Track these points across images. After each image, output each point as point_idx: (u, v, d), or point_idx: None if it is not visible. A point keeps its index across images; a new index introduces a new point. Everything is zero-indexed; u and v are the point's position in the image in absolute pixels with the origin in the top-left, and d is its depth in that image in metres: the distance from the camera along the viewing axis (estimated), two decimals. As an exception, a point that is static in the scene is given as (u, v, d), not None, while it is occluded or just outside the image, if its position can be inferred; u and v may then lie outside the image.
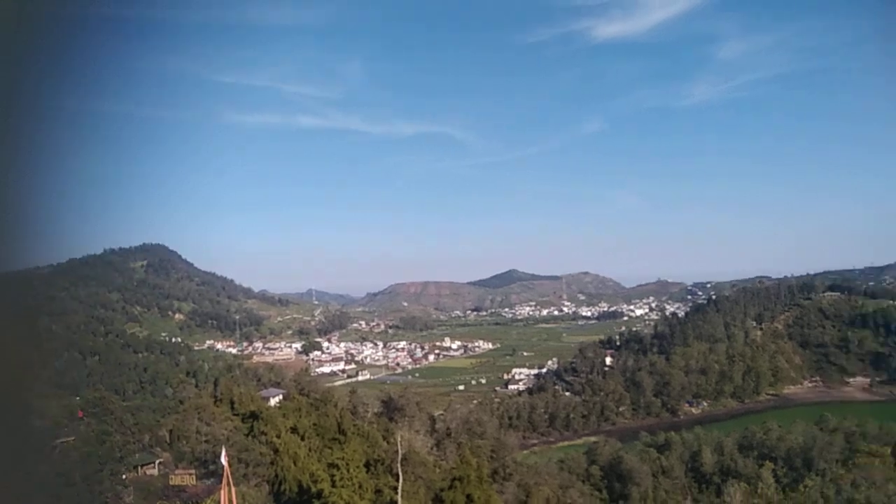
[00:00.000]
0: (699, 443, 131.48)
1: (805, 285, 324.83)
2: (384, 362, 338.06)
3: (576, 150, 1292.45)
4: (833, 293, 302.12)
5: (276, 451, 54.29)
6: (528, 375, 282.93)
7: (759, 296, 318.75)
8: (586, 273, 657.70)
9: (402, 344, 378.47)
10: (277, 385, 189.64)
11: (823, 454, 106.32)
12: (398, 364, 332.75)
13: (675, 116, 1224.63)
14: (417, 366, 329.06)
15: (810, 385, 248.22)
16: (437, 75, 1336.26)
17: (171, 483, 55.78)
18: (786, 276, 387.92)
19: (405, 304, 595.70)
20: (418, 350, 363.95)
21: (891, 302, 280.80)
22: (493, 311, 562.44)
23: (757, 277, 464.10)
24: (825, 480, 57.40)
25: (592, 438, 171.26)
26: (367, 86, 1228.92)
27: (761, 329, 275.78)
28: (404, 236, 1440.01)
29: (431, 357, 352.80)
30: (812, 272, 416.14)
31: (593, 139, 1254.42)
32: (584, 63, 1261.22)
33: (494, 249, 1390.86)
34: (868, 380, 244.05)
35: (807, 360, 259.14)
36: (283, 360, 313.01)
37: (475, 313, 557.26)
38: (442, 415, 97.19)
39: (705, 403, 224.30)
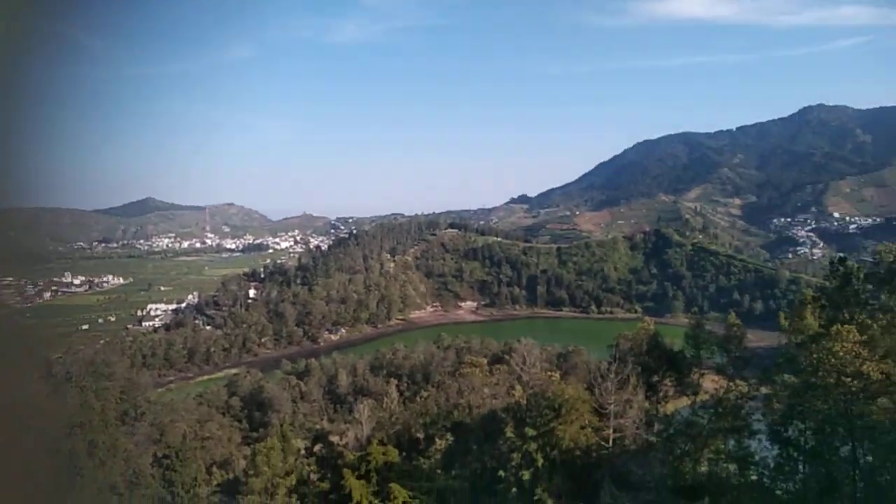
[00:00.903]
0: (336, 367, 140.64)
1: (431, 222, 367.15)
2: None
3: (224, 74, 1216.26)
4: (452, 230, 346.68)
5: None
6: (165, 311, 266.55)
7: (393, 231, 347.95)
8: (231, 204, 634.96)
9: (8, 280, 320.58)
10: None
11: (438, 368, 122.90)
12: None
13: (326, 52, 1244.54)
14: (29, 305, 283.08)
15: (432, 310, 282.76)
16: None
17: None
18: (416, 214, 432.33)
19: (11, 233, 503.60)
20: (29, 287, 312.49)
21: (495, 238, 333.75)
22: (125, 242, 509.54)
23: (392, 214, 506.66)
24: (438, 390, 66.47)
25: (234, 371, 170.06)
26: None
27: (394, 261, 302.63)
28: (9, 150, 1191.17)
29: (47, 294, 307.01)
30: (437, 211, 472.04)
31: (243, 64, 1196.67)
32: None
33: (128, 174, 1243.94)
34: (475, 304, 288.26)
35: (430, 288, 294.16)
36: None
37: (103, 245, 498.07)
38: (61, 358, 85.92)
39: (344, 330, 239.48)
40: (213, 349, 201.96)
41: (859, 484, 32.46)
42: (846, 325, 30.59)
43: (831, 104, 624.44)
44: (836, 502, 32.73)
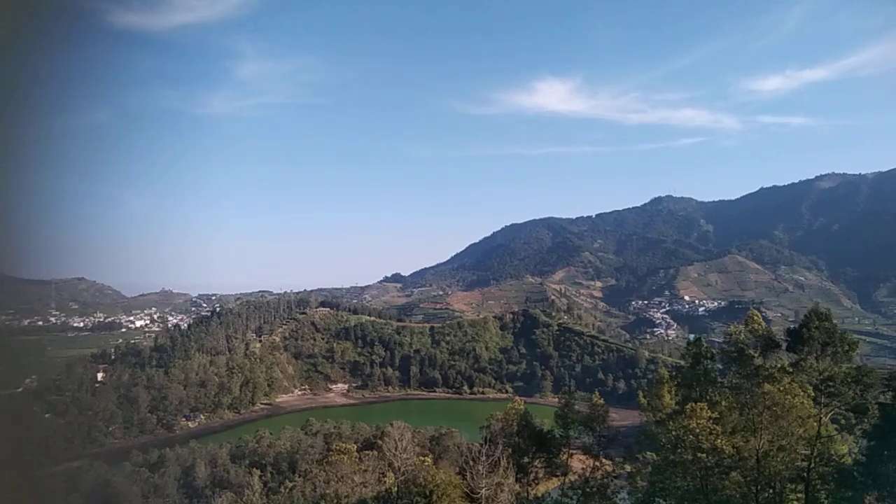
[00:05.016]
0: (193, 457, 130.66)
1: (301, 300, 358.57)
2: None
3: (76, 140, 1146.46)
4: (324, 308, 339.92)
5: None
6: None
7: (260, 309, 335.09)
8: (82, 279, 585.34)
9: None
10: None
11: (306, 456, 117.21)
12: None
13: (190, 122, 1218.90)
14: None
15: (300, 393, 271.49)
16: None
17: None
18: (286, 292, 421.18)
19: None
20: None
21: (368, 317, 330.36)
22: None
23: (260, 292, 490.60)
24: (305, 480, 62.95)
25: (76, 463, 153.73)
26: None
27: (261, 341, 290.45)
28: None
29: None
30: (308, 289, 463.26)
31: (99, 131, 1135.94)
32: (93, 45, 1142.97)
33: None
34: (347, 386, 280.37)
35: (298, 370, 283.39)
36: None
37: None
38: None
39: (203, 416, 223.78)
40: (51, 440, 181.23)
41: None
42: (699, 403, 32.32)
43: (678, 195, 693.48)
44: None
